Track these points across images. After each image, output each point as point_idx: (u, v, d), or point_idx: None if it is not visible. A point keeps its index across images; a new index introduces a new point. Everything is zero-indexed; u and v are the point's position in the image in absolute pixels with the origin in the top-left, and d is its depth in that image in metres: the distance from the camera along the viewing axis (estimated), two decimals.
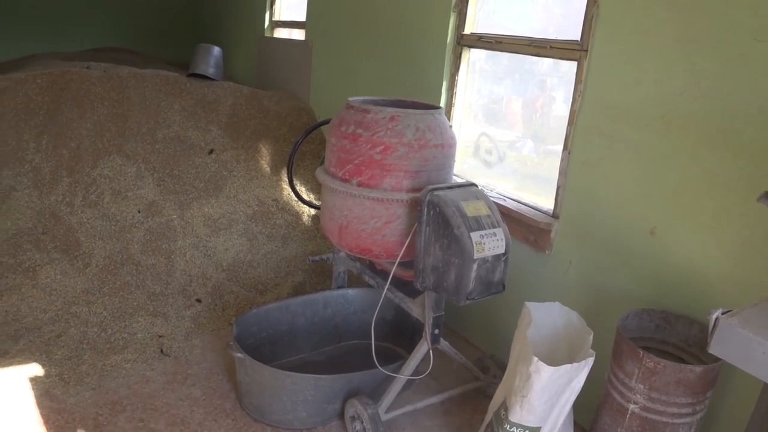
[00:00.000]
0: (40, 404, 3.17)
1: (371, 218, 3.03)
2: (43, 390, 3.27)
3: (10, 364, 3.44)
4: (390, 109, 2.99)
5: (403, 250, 3.03)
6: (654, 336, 2.80)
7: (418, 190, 2.94)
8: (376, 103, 3.32)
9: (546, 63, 3.66)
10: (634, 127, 2.88)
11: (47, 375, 3.38)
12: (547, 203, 3.50)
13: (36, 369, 3.42)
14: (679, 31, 2.67)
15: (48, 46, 9.20)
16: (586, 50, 3.10)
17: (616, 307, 2.99)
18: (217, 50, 5.87)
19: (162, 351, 3.66)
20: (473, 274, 2.70)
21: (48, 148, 4.72)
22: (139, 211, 4.58)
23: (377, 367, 3.07)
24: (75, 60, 7.10)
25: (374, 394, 3.12)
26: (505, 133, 4.00)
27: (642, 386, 2.47)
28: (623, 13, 2.91)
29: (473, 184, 2.98)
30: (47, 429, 3.00)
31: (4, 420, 3.03)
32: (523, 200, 3.61)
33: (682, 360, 2.72)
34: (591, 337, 2.63)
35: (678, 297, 2.77)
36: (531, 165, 3.86)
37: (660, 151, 2.78)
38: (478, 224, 2.73)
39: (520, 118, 3.94)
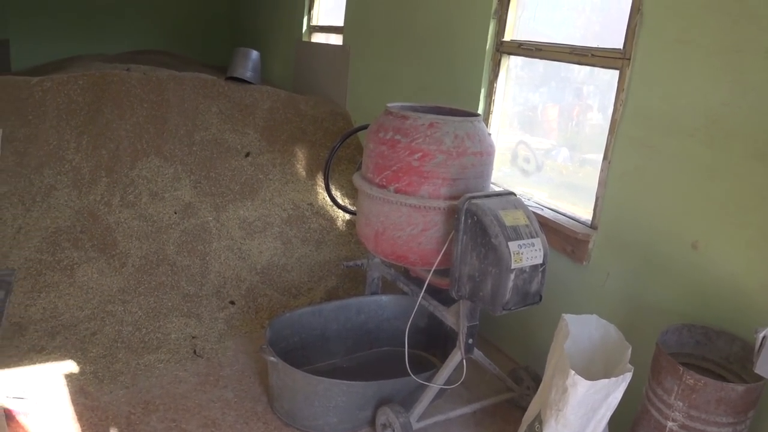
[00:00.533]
0: (75, 401, 3.21)
1: (408, 225, 3.02)
2: (77, 387, 3.31)
3: (47, 360, 3.50)
4: (429, 116, 2.97)
5: (439, 258, 3.00)
6: (694, 352, 2.73)
7: (456, 197, 2.91)
8: (414, 109, 3.31)
9: (583, 71, 3.61)
10: (677, 138, 2.82)
11: (82, 372, 3.43)
12: (583, 213, 3.45)
13: (71, 366, 3.47)
14: (726, 40, 2.60)
15: (89, 48, 9.37)
16: (629, 59, 3.05)
17: (655, 321, 2.92)
18: (255, 54, 5.91)
19: (195, 352, 3.69)
20: (510, 284, 2.66)
21: (88, 148, 4.79)
22: (175, 213, 4.63)
23: (410, 375, 3.05)
24: (115, 62, 7.22)
25: (406, 402, 3.09)
26: (540, 141, 3.96)
27: (681, 403, 2.40)
28: (668, 22, 2.85)
29: (512, 193, 2.94)
30: (81, 425, 3.04)
31: (40, 415, 3.07)
32: (560, 210, 3.56)
33: (722, 378, 2.65)
34: (629, 351, 2.58)
35: (720, 313, 2.70)
36: (566, 173, 3.81)
37: (704, 163, 2.72)
38: (516, 234, 2.70)
39: (556, 126, 3.89)
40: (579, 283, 3.39)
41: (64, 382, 3.34)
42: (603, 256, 3.24)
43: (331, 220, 4.90)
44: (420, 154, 2.92)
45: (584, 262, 3.31)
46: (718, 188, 2.68)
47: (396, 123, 3.02)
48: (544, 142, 3.95)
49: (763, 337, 1.75)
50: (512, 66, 3.97)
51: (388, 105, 3.20)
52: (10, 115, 4.81)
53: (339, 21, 6.19)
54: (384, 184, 3.04)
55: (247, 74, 5.74)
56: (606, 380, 2.38)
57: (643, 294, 3.03)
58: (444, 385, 3.06)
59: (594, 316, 2.80)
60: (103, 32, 9.97)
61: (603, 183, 3.23)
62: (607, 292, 3.22)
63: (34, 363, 3.46)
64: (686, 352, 2.75)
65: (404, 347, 3.20)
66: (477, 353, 3.16)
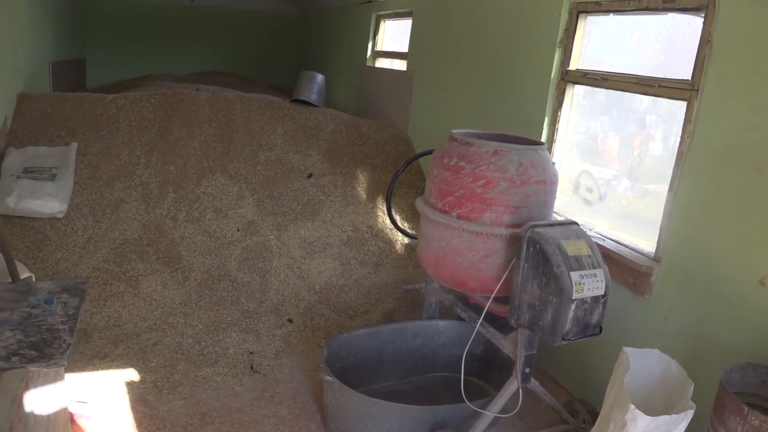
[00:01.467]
0: (135, 408, 3.30)
1: (469, 251, 3.02)
2: (137, 395, 3.41)
3: (109, 367, 3.62)
4: (493, 143, 2.99)
5: (499, 286, 3.00)
6: (759, 392, 2.65)
7: (518, 225, 2.91)
8: (478, 136, 3.33)
9: (646, 100, 3.58)
10: (746, 172, 2.76)
11: (142, 381, 3.53)
12: (644, 244, 3.40)
13: (132, 374, 3.58)
14: None
15: (160, 67, 9.74)
16: (697, 90, 3.01)
17: (719, 358, 2.85)
18: (320, 77, 6.04)
19: (252, 368, 3.75)
20: (571, 315, 2.64)
21: (157, 164, 4.96)
22: (238, 230, 4.74)
23: (465, 402, 3.03)
24: (185, 82, 7.47)
25: (459, 428, 3.08)
26: (601, 171, 3.93)
27: None
28: (738, 53, 2.81)
29: (574, 223, 2.93)
30: None
31: (101, 419, 3.17)
32: (623, 241, 3.52)
33: None
34: (692, 388, 2.52)
35: None
36: (626, 204, 3.77)
37: None
38: (578, 264, 2.68)
39: (617, 156, 3.85)
40: (640, 317, 3.32)
41: (125, 389, 3.44)
42: (666, 289, 3.18)
43: (390, 243, 4.94)
44: (483, 181, 2.93)
45: (646, 295, 3.25)
46: None
47: (460, 149, 3.05)
48: (605, 172, 3.91)
49: None
50: (573, 94, 3.96)
51: (453, 131, 3.23)
52: (86, 130, 5.04)
53: (403, 47, 6.28)
54: (447, 209, 3.06)
55: (312, 97, 5.86)
56: (667, 416, 2.33)
57: (707, 330, 2.96)
58: (499, 413, 3.04)
59: (655, 351, 2.74)
60: (175, 53, 10.36)
61: (668, 215, 3.18)
62: (669, 327, 3.15)
63: (98, 369, 3.59)
64: (751, 392, 2.67)
65: (460, 373, 3.19)
66: (533, 383, 3.13)
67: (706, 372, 2.87)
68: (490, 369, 3.78)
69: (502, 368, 3.66)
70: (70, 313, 2.37)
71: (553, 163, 3.17)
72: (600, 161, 3.96)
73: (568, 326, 2.66)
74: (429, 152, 3.59)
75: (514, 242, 2.91)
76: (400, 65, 6.51)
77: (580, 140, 4.08)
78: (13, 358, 2.03)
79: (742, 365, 2.65)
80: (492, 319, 3.24)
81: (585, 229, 3.63)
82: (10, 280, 2.64)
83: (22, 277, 2.80)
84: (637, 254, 3.37)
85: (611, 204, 3.79)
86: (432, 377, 3.81)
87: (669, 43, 3.52)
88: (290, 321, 4.21)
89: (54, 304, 2.41)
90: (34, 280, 2.99)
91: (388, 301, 4.49)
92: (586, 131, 4.05)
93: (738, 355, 2.78)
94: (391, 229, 5.01)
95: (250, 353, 3.89)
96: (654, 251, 3.29)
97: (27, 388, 1.99)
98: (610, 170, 3.89)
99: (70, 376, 3.47)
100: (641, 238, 3.44)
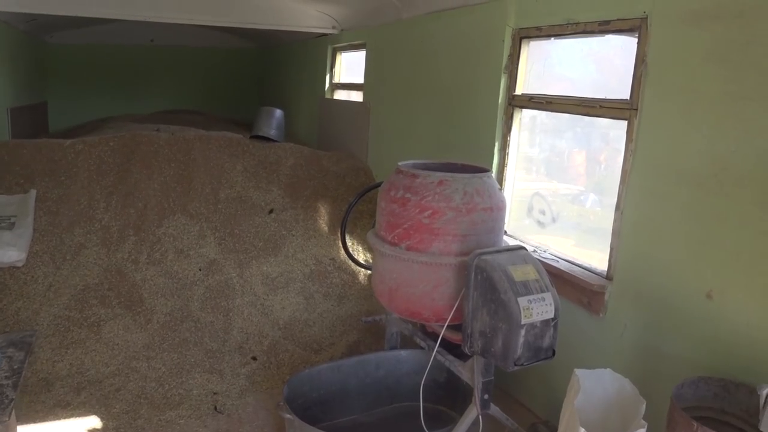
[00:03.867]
0: None
1: (420, 282, 3.04)
2: None
3: (71, 415, 3.58)
4: (438, 174, 3.02)
5: (451, 314, 3.01)
6: (713, 405, 2.67)
7: (467, 253, 2.93)
8: (426, 166, 3.36)
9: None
10: (686, 187, 2.82)
11: (105, 428, 3.49)
12: (598, 263, 3.43)
13: (95, 421, 3.54)
14: (731, 88, 2.62)
15: (125, 107, 9.75)
16: (636, 109, 3.08)
17: (674, 373, 2.87)
18: (279, 113, 6.08)
19: (216, 408, 3.72)
20: (521, 340, 2.66)
21: (117, 207, 4.95)
22: (200, 269, 4.72)
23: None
24: (147, 122, 7.48)
25: None
26: (568, 187, 3.96)
27: None
28: (672, 71, 2.88)
29: (522, 248, 2.96)
30: None
31: None
32: (576, 261, 3.56)
33: None
34: (644, 406, 2.54)
35: (738, 364, 2.64)
36: (594, 219, 3.80)
37: (714, 211, 2.70)
38: (526, 289, 2.71)
39: (583, 171, 3.89)
40: (596, 336, 3.35)
41: None
42: (619, 307, 3.21)
43: (353, 274, 4.94)
44: (430, 212, 2.96)
45: (601, 314, 3.29)
46: (729, 237, 2.65)
47: (406, 181, 3.08)
48: (572, 188, 3.95)
49: (767, 395, 1.72)
50: (536, 113, 3.98)
51: (399, 164, 3.26)
52: (44, 176, 5.01)
53: (360, 78, 6.34)
54: (396, 241, 3.08)
55: (272, 132, 5.90)
56: None
57: (661, 346, 2.99)
58: None
59: (608, 371, 2.77)
60: (138, 93, 10.37)
61: (617, 233, 3.23)
62: (625, 345, 3.18)
63: (59, 418, 3.55)
64: (705, 405, 2.69)
65: (426, 402, 3.19)
66: (494, 409, 3.14)
67: (662, 388, 2.89)
68: (455, 396, 3.78)
69: (467, 395, 3.64)
70: (15, 367, 2.36)
71: (500, 189, 3.20)
72: (566, 178, 3.99)
73: (519, 351, 2.68)
74: (379, 185, 3.62)
75: (463, 270, 2.93)
76: (357, 96, 6.57)
77: (546, 158, 4.11)
78: None
79: (694, 380, 2.68)
80: (452, 347, 3.25)
81: (539, 251, 3.70)
82: None
83: None
84: (590, 274, 3.41)
85: (579, 219, 3.81)
86: (398, 407, 3.80)
87: (610, 65, 3.59)
88: (254, 359, 4.19)
89: None
90: None
91: (352, 333, 4.48)
92: (551, 149, 4.08)
93: (692, 369, 2.80)
94: None
95: (214, 394, 3.86)
96: (606, 270, 3.33)
97: None
98: (577, 186, 3.93)
99: (30, 428, 3.43)
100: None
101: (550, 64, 3.91)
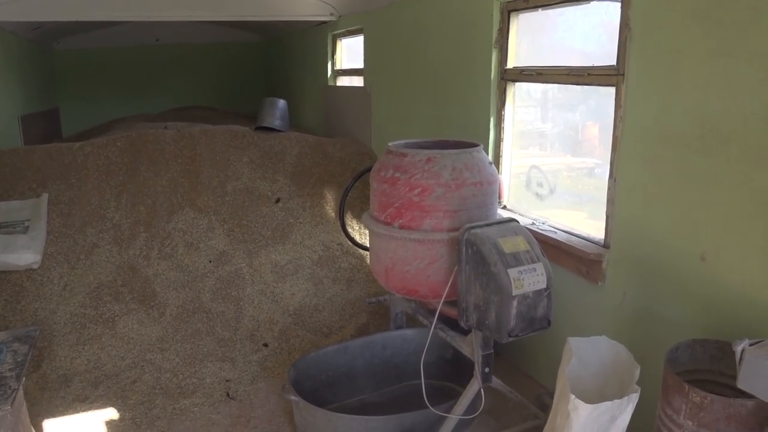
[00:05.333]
0: None
1: (414, 259, 3.08)
2: None
3: (89, 408, 3.69)
4: (426, 152, 3.05)
5: (447, 290, 3.04)
6: (711, 368, 2.67)
7: (458, 229, 2.96)
8: (418, 145, 3.39)
9: None
10: (675, 150, 2.80)
11: (121, 419, 3.59)
12: (595, 232, 3.43)
13: (112, 413, 3.64)
14: (712, 45, 2.58)
15: (136, 108, 9.87)
16: (623, 74, 3.06)
17: (671, 338, 2.86)
18: (282, 103, 6.12)
19: (228, 395, 3.80)
20: (513, 311, 2.68)
21: (127, 205, 5.04)
22: (210, 261, 4.80)
23: (429, 407, 3.07)
24: (156, 120, 7.58)
25: None
26: (584, 161, 3.93)
27: (690, 423, 2.35)
28: (655, 33, 2.86)
29: (513, 220, 2.98)
30: None
31: None
32: (574, 231, 3.56)
33: (742, 394, 2.58)
34: (638, 371, 2.54)
35: (734, 325, 2.63)
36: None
37: (703, 173, 2.68)
38: (516, 260, 2.72)
39: (598, 144, 3.85)
40: (596, 304, 3.36)
41: (104, 429, 3.51)
42: (617, 275, 3.21)
43: (361, 258, 4.99)
44: (419, 189, 2.99)
45: (599, 283, 3.29)
46: (719, 197, 2.64)
47: (395, 161, 3.11)
48: (588, 161, 3.91)
49: (742, 350, 1.73)
50: (547, 88, 3.95)
51: (389, 144, 3.29)
52: (56, 179, 5.12)
53: (360, 63, 6.35)
54: (389, 221, 3.12)
55: (276, 122, 5.94)
56: (609, 403, 2.36)
57: (659, 311, 2.99)
58: (464, 415, 3.07)
59: (603, 338, 2.77)
60: (147, 93, 10.49)
61: (612, 201, 3.22)
62: (625, 312, 3.18)
63: (78, 412, 3.66)
64: (703, 368, 2.68)
65: (434, 380, 3.22)
66: (496, 381, 3.17)
67: (660, 353, 2.88)
68: (462, 372, 3.80)
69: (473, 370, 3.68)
70: (19, 360, 2.45)
71: (491, 164, 3.22)
72: (581, 151, 3.97)
73: (512, 323, 2.70)
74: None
75: (456, 246, 2.96)
76: (359, 81, 6.59)
77: (560, 132, 4.10)
78: None
79: (689, 342, 2.67)
80: (453, 323, 3.27)
81: (536, 225, 3.70)
82: None
83: None
84: (588, 243, 3.41)
85: (595, 192, 3.77)
86: (406, 386, 3.84)
87: (597, 33, 3.55)
88: (265, 345, 4.26)
89: (3, 353, 2.48)
90: None
91: (361, 315, 4.53)
92: (565, 123, 4.07)
93: (690, 333, 2.79)
94: None
95: (227, 381, 3.94)
96: (603, 238, 3.33)
97: None
98: (593, 159, 3.90)
99: (51, 422, 3.54)
100: None
101: (538, 36, 3.89)
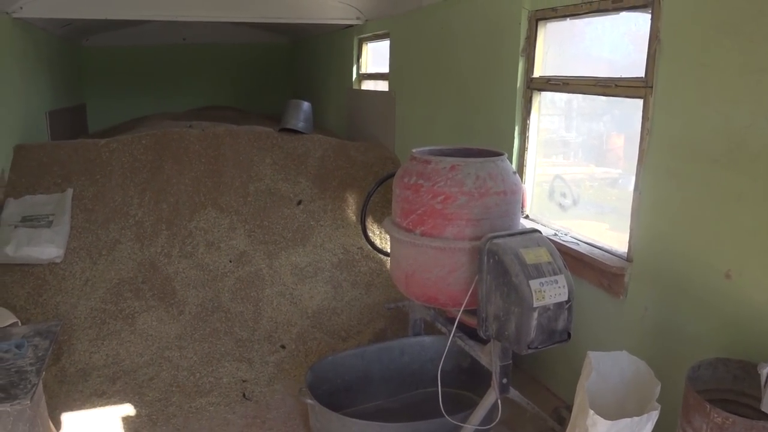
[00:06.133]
0: None
1: (435, 267, 3.06)
2: (132, 429, 3.50)
3: (107, 403, 3.72)
4: (450, 159, 3.04)
5: (467, 299, 3.02)
6: (732, 388, 2.63)
7: (481, 237, 2.94)
8: (441, 152, 3.38)
9: None
10: (702, 164, 2.77)
11: (138, 415, 3.62)
12: (618, 245, 3.40)
13: (128, 409, 3.67)
14: (744, 61, 2.55)
15: (162, 106, 9.96)
16: (651, 87, 3.03)
17: (694, 355, 2.82)
18: (306, 105, 6.14)
19: (244, 395, 3.81)
20: (534, 323, 2.66)
21: (150, 203, 5.08)
22: (230, 261, 4.82)
23: (444, 416, 3.05)
24: (181, 119, 7.63)
25: None
26: (607, 171, 3.90)
27: None
28: (686, 46, 2.83)
29: (536, 231, 2.96)
30: None
31: None
32: (597, 243, 3.52)
33: (764, 416, 2.54)
34: (658, 388, 2.51)
35: (758, 345, 2.59)
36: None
37: (730, 189, 2.65)
38: (538, 272, 2.70)
39: (622, 154, 3.81)
40: (617, 318, 3.32)
41: (120, 425, 3.53)
42: (639, 289, 3.18)
43: (381, 262, 4.98)
44: (442, 197, 2.98)
45: (621, 297, 3.26)
46: (746, 214, 2.60)
47: (419, 168, 3.10)
48: (611, 172, 3.88)
49: None
50: (571, 98, 3.93)
51: (413, 150, 3.28)
52: (81, 175, 5.18)
53: (385, 67, 6.35)
54: (410, 227, 3.11)
55: (299, 125, 5.96)
56: (628, 419, 2.33)
57: (681, 328, 2.95)
58: (480, 426, 3.06)
59: (624, 353, 2.74)
60: (173, 92, 10.57)
61: (636, 214, 3.19)
62: (646, 327, 3.15)
63: (95, 407, 3.69)
64: (724, 388, 2.64)
65: (450, 388, 3.21)
66: (514, 392, 3.14)
67: (682, 370, 2.85)
68: (480, 381, 3.78)
69: (490, 379, 3.66)
70: (40, 354, 2.47)
71: (515, 173, 3.20)
72: (605, 162, 3.94)
73: (532, 335, 2.68)
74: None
75: (477, 255, 2.94)
76: (383, 86, 6.59)
77: (583, 141, 4.07)
78: None
79: (712, 361, 2.63)
80: (472, 332, 3.26)
81: (558, 236, 3.67)
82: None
83: (7, 324, 2.91)
84: (610, 256, 3.38)
85: (617, 203, 3.74)
86: (422, 393, 3.83)
87: (625, 43, 3.52)
88: (283, 347, 4.27)
89: (25, 347, 2.50)
90: (20, 325, 3.10)
91: (379, 320, 4.53)
92: (589, 132, 4.04)
93: (712, 351, 2.75)
94: None
95: (243, 381, 3.95)
96: (626, 251, 3.29)
97: None
98: (616, 169, 3.87)
99: (68, 415, 3.58)
100: None
101: (566, 46, 3.86)
